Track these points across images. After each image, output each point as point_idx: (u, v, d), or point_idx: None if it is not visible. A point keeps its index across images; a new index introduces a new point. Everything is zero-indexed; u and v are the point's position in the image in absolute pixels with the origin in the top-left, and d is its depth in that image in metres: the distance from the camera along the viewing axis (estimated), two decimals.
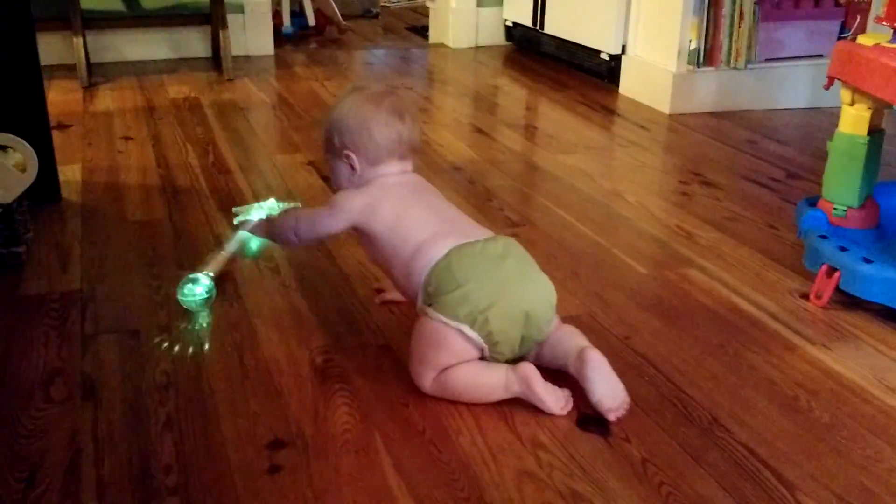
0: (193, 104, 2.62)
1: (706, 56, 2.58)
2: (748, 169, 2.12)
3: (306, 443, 1.05)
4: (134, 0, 3.18)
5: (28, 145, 1.53)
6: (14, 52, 1.72)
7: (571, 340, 1.17)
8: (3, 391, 1.15)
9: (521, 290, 1.14)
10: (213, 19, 3.06)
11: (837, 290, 1.39)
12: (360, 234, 1.25)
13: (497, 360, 1.14)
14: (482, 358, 1.14)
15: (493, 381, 1.12)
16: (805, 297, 1.45)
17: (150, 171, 2.01)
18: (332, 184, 1.32)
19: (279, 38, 3.56)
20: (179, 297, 1.37)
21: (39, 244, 1.60)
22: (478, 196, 1.91)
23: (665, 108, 2.60)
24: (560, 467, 1.02)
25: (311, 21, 3.81)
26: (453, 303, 1.11)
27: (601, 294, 1.45)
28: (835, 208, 1.50)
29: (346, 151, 1.24)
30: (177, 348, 1.26)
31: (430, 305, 1.13)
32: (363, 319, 1.36)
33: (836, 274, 1.38)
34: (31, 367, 1.21)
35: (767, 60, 2.64)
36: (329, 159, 1.30)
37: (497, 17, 3.61)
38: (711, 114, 2.59)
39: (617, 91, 2.85)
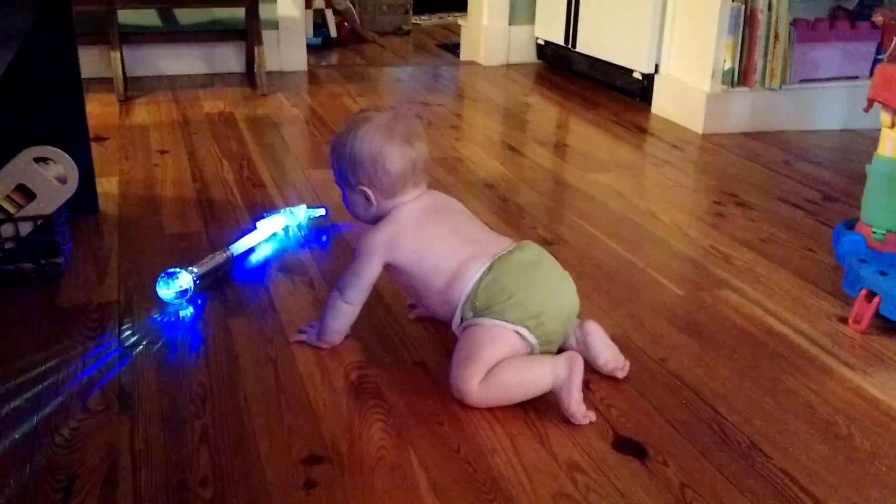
0: (228, 119, 2.64)
1: (740, 76, 2.57)
2: (783, 190, 2.11)
3: (341, 458, 1.05)
4: (170, 15, 3.23)
5: (69, 158, 1.55)
6: (57, 66, 1.75)
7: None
8: (41, 400, 1.16)
9: (561, 293, 1.22)
10: (248, 35, 3.10)
11: (877, 314, 1.37)
12: (389, 269, 1.26)
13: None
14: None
15: (540, 369, 1.14)
16: (843, 321, 1.43)
17: (186, 184, 2.03)
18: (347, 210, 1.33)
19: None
20: (158, 289, 1.42)
21: (77, 255, 1.62)
22: (510, 213, 1.91)
23: (698, 128, 2.59)
24: (597, 489, 1.01)
25: (333, 32, 3.89)
26: (508, 310, 1.16)
27: (636, 314, 1.44)
28: (873, 232, 1.49)
29: (360, 187, 1.25)
30: (212, 360, 1.27)
31: (481, 316, 1.17)
32: (397, 335, 1.36)
33: (876, 299, 1.36)
34: (69, 378, 1.22)
35: (802, 81, 2.62)
36: (343, 189, 1.30)
37: (529, 35, 3.62)
38: (745, 134, 2.58)
39: (649, 110, 2.84)
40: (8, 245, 1.50)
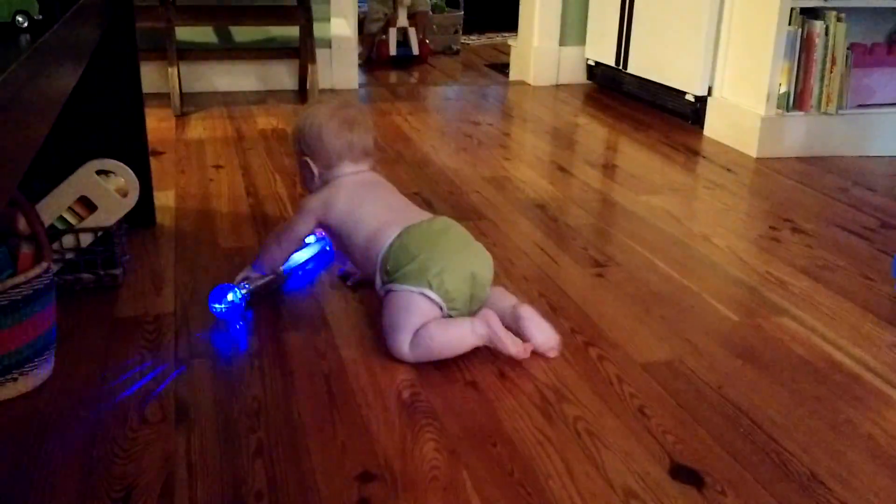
0: (281, 135, 2.68)
1: (796, 100, 2.54)
2: (840, 216, 2.07)
3: (395, 477, 1.05)
4: (226, 33, 3.29)
5: (130, 171, 1.58)
6: (120, 82, 1.79)
7: (504, 300, 1.38)
8: (100, 409, 1.18)
9: (465, 255, 1.36)
10: (302, 53, 3.14)
11: None
12: (324, 229, 1.48)
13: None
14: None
15: (461, 329, 1.29)
16: None
17: (240, 199, 2.06)
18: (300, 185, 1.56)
19: (383, 64, 4.08)
20: (210, 303, 1.45)
21: (135, 267, 1.65)
22: (560, 234, 1.90)
23: (752, 152, 2.56)
24: None
25: (416, 50, 4.03)
26: (412, 273, 1.31)
27: (691, 340, 1.42)
28: None
29: (304, 157, 1.49)
30: (267, 375, 1.28)
31: (392, 282, 1.33)
32: None
33: None
34: (126, 388, 1.24)
35: (859, 106, 2.58)
36: (298, 164, 1.52)
37: (579, 56, 3.62)
38: (800, 159, 2.54)
39: (701, 133, 2.82)
40: (69, 256, 1.53)
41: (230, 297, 1.44)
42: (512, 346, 1.29)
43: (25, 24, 0.95)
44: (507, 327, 1.32)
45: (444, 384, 1.27)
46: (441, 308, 1.32)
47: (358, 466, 1.07)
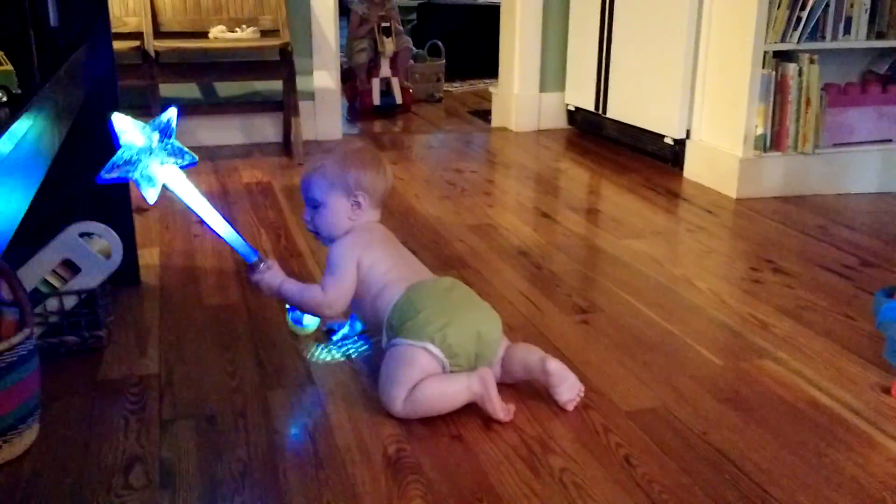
0: (265, 188, 2.69)
1: (773, 141, 2.58)
2: (820, 256, 2.09)
3: None
4: (210, 89, 3.32)
5: (114, 233, 1.59)
6: (102, 139, 1.80)
7: (531, 354, 1.36)
8: (84, 475, 1.18)
9: (471, 313, 1.36)
10: (286, 107, 3.17)
11: None
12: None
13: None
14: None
15: (457, 385, 1.29)
16: (887, 391, 1.41)
17: (225, 254, 2.07)
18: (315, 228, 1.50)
19: (367, 114, 4.11)
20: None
21: (119, 327, 1.65)
22: (544, 281, 1.91)
23: (732, 193, 2.59)
24: None
25: (399, 99, 4.08)
26: (415, 327, 1.32)
27: (675, 385, 1.43)
28: None
29: (358, 191, 1.45)
30: (252, 433, 1.28)
31: (395, 336, 1.34)
32: None
33: None
34: (111, 452, 1.23)
35: (835, 145, 2.63)
36: (326, 202, 1.45)
37: (559, 102, 3.67)
38: (779, 199, 2.58)
39: (681, 175, 2.85)
40: (52, 318, 1.53)
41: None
42: (501, 411, 1.29)
43: (4, 99, 0.96)
44: (535, 380, 1.35)
45: (429, 438, 1.27)
46: (443, 365, 1.32)
47: None
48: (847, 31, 2.55)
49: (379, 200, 1.49)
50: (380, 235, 1.49)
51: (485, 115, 4.02)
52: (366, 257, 1.43)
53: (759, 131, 2.55)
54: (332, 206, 1.45)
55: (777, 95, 2.54)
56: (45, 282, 1.53)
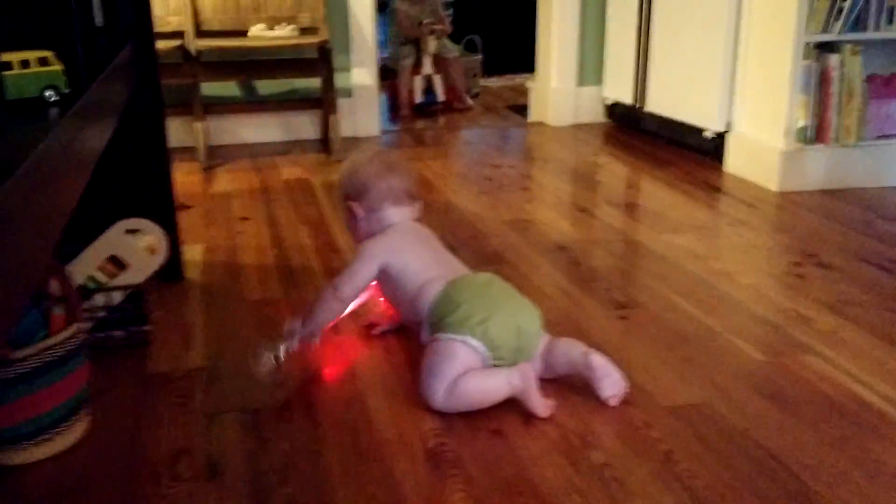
0: (305, 185, 2.72)
1: (815, 133, 2.54)
2: (864, 249, 2.06)
3: None
4: (250, 87, 3.36)
5: (159, 229, 1.62)
6: (146, 139, 1.84)
7: (574, 348, 1.37)
8: (133, 466, 1.21)
9: (510, 307, 1.38)
10: (324, 104, 3.20)
11: None
12: (379, 275, 1.48)
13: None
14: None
15: (497, 380, 1.30)
16: None
17: (267, 250, 2.10)
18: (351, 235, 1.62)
19: (409, 111, 4.12)
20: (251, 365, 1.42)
21: (165, 323, 1.68)
22: (583, 277, 1.91)
23: (773, 186, 2.56)
24: None
25: (441, 97, 4.14)
26: (456, 322, 1.34)
27: (716, 381, 1.42)
28: None
29: (347, 202, 1.55)
30: (295, 427, 1.30)
31: (436, 332, 1.36)
32: None
33: None
34: (158, 444, 1.26)
35: (879, 137, 2.58)
36: (344, 212, 1.59)
37: (597, 96, 3.65)
38: (822, 192, 2.54)
39: (721, 169, 2.82)
40: (100, 314, 1.57)
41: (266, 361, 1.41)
42: (541, 407, 1.30)
43: (55, 98, 0.99)
44: (578, 374, 1.35)
45: (469, 432, 1.28)
46: (484, 359, 1.33)
47: None
48: (890, 21, 2.50)
49: (396, 199, 1.54)
50: (412, 236, 1.52)
51: (522, 109, 4.01)
52: (395, 260, 1.47)
53: (801, 123, 2.52)
54: (345, 215, 1.60)
55: (819, 87, 2.50)
56: (93, 278, 1.57)
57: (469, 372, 1.31)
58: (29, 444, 1.20)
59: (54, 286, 1.33)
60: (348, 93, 3.41)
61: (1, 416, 1.18)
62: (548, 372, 1.39)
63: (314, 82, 3.27)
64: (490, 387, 1.31)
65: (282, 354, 1.41)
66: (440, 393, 1.30)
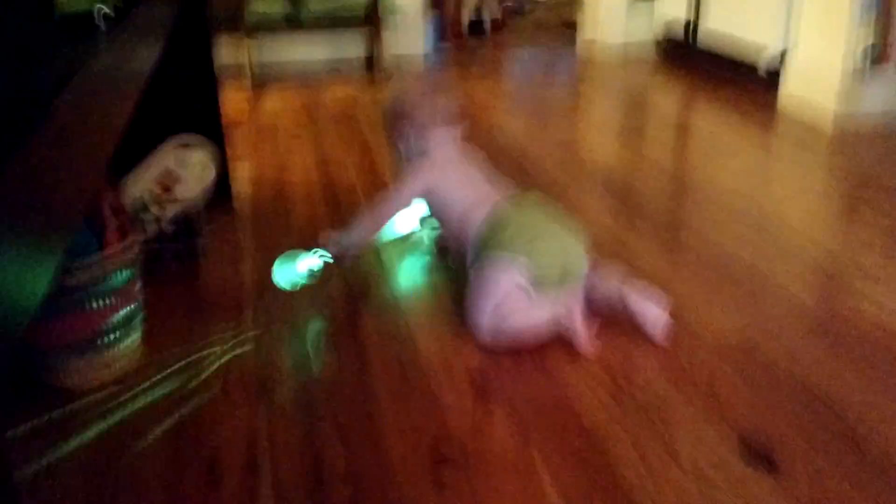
0: (351, 103, 2.70)
1: (879, 54, 2.43)
2: None
3: (468, 460, 1.07)
4: (297, 5, 3.31)
5: (211, 144, 1.62)
6: (194, 58, 1.83)
7: (611, 278, 1.38)
8: (184, 385, 1.24)
9: (556, 228, 1.38)
10: (370, 22, 3.14)
11: None
12: (426, 196, 1.48)
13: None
14: None
15: (542, 312, 1.31)
16: None
17: (312, 169, 2.09)
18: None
19: (459, 32, 3.95)
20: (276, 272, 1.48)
21: (214, 238, 1.70)
22: (631, 205, 1.88)
23: (833, 108, 2.47)
24: (726, 502, 1.00)
25: (491, 16, 4.06)
26: (503, 243, 1.34)
27: (762, 321, 1.40)
28: None
29: (397, 125, 1.53)
30: (341, 353, 1.32)
31: (483, 255, 1.35)
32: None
33: None
34: (210, 363, 1.29)
35: None
36: (390, 138, 1.57)
37: (650, 13, 3.53)
38: (884, 115, 2.44)
39: (779, 91, 2.73)
40: (153, 227, 1.59)
41: (300, 269, 1.47)
42: (586, 343, 1.30)
43: (110, 13, 0.98)
44: (614, 307, 1.35)
45: (515, 367, 1.28)
46: (531, 280, 1.31)
47: (432, 450, 1.09)
48: None
49: (441, 120, 1.52)
50: (456, 158, 1.51)
51: (573, 26, 3.90)
52: (439, 184, 1.46)
53: (864, 44, 2.41)
54: (389, 137, 1.58)
55: (883, 4, 2.38)
56: (149, 191, 1.58)
57: (515, 302, 1.31)
58: (80, 361, 1.23)
59: (109, 200, 1.35)
60: (395, 10, 3.34)
61: (56, 330, 1.21)
62: (590, 306, 1.37)
63: (361, 0, 3.21)
64: (535, 317, 1.31)
65: (315, 266, 1.46)
66: (484, 320, 1.31)
